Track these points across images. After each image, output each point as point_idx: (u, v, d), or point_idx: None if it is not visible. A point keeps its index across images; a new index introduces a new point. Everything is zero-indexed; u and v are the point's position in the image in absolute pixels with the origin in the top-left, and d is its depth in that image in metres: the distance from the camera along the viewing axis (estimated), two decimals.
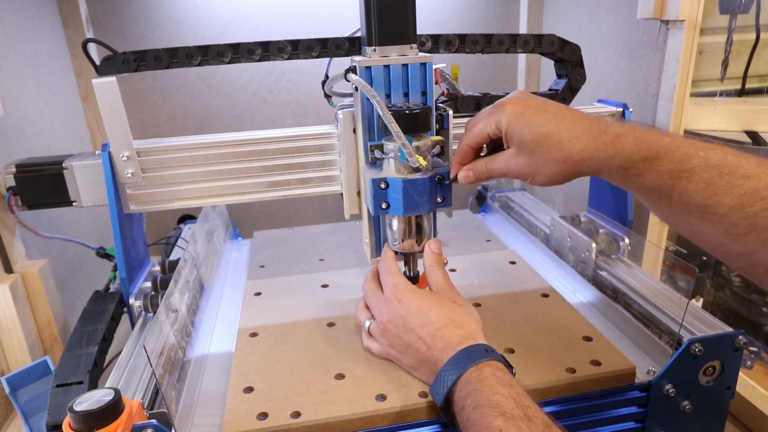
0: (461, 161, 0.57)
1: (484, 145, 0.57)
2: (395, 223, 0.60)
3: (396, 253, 0.62)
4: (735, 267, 0.46)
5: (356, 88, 0.61)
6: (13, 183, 0.68)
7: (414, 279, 0.63)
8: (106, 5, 1.09)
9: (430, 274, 0.59)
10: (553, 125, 0.49)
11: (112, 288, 0.76)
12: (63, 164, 0.68)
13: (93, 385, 0.56)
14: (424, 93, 0.61)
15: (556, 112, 0.50)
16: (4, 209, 0.69)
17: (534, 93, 0.73)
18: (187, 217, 1.11)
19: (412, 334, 0.53)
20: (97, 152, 0.69)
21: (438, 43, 0.67)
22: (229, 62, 0.65)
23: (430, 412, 0.52)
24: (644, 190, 0.47)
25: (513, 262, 0.81)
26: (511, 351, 0.59)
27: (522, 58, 1.27)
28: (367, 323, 0.60)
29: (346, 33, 0.65)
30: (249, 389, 0.55)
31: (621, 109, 0.76)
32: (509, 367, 0.49)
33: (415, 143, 0.56)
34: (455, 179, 0.58)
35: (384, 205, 0.58)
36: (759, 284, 0.43)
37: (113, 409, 0.42)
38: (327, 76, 0.66)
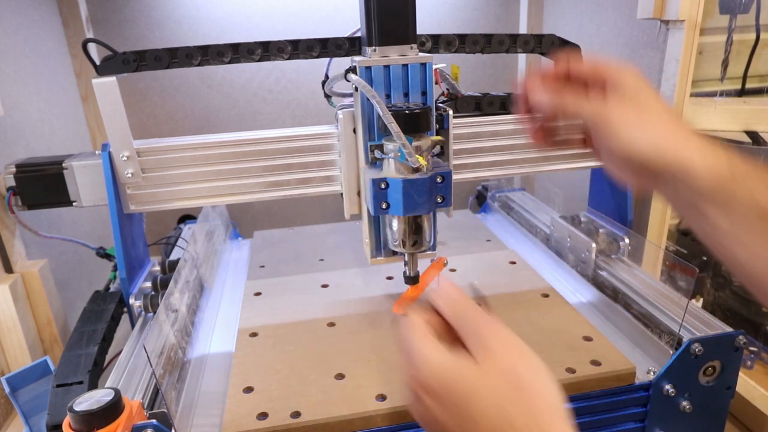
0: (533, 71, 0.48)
1: None
2: (395, 223, 0.60)
3: (395, 253, 0.62)
4: None
5: (356, 88, 0.60)
6: (13, 183, 0.68)
7: (414, 279, 0.63)
8: (106, 5, 1.09)
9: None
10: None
11: (112, 288, 0.76)
12: (63, 164, 0.68)
13: (93, 385, 0.56)
14: (424, 93, 0.61)
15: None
16: (4, 209, 0.69)
17: None
18: (187, 217, 1.11)
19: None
20: (97, 152, 0.69)
21: (438, 43, 0.67)
22: (229, 62, 0.65)
23: None
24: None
25: (513, 262, 0.81)
26: None
27: (522, 58, 1.27)
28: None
29: (346, 33, 0.65)
30: (249, 389, 0.55)
31: None
32: None
33: (415, 143, 0.56)
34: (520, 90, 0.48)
35: (384, 205, 0.58)
36: None
37: (113, 409, 0.42)
38: (327, 76, 0.66)
